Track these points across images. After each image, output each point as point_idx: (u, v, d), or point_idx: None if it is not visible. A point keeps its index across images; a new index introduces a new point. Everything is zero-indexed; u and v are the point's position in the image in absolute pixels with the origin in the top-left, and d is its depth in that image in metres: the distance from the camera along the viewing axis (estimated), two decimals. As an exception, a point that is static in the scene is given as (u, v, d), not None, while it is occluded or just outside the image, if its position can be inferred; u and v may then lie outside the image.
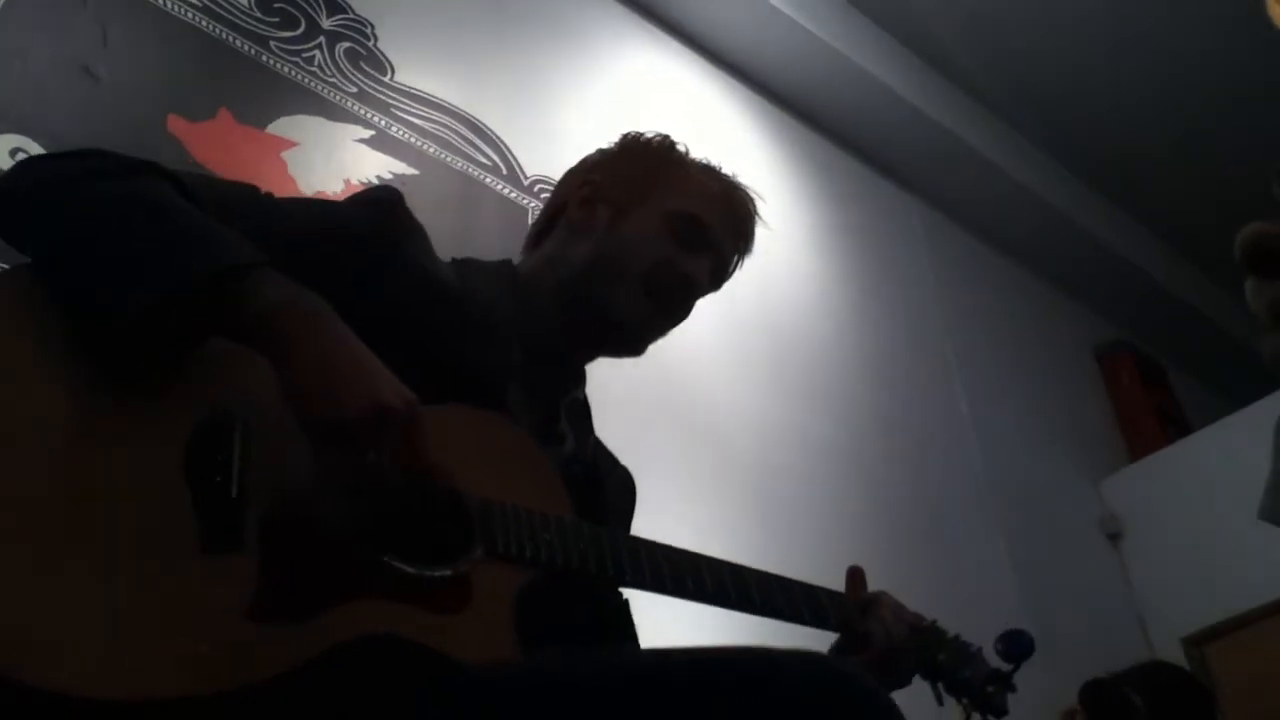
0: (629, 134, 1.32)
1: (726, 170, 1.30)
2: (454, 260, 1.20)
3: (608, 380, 2.35)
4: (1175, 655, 3.32)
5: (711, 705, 0.73)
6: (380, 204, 1.12)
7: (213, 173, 1.99)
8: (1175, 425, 4.31)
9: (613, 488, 1.21)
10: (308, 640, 0.78)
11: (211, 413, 0.82)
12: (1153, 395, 4.37)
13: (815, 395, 3.01)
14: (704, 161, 1.30)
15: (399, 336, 0.94)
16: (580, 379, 1.26)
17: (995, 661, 1.28)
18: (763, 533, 2.49)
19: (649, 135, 1.31)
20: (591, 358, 1.27)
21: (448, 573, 0.87)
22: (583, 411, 1.24)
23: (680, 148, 1.29)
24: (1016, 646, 1.25)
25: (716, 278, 1.25)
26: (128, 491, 0.76)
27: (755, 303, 2.98)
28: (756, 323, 2.97)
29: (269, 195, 1.07)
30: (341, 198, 2.03)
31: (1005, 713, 1.26)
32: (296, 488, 0.83)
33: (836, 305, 3.36)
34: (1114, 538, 3.82)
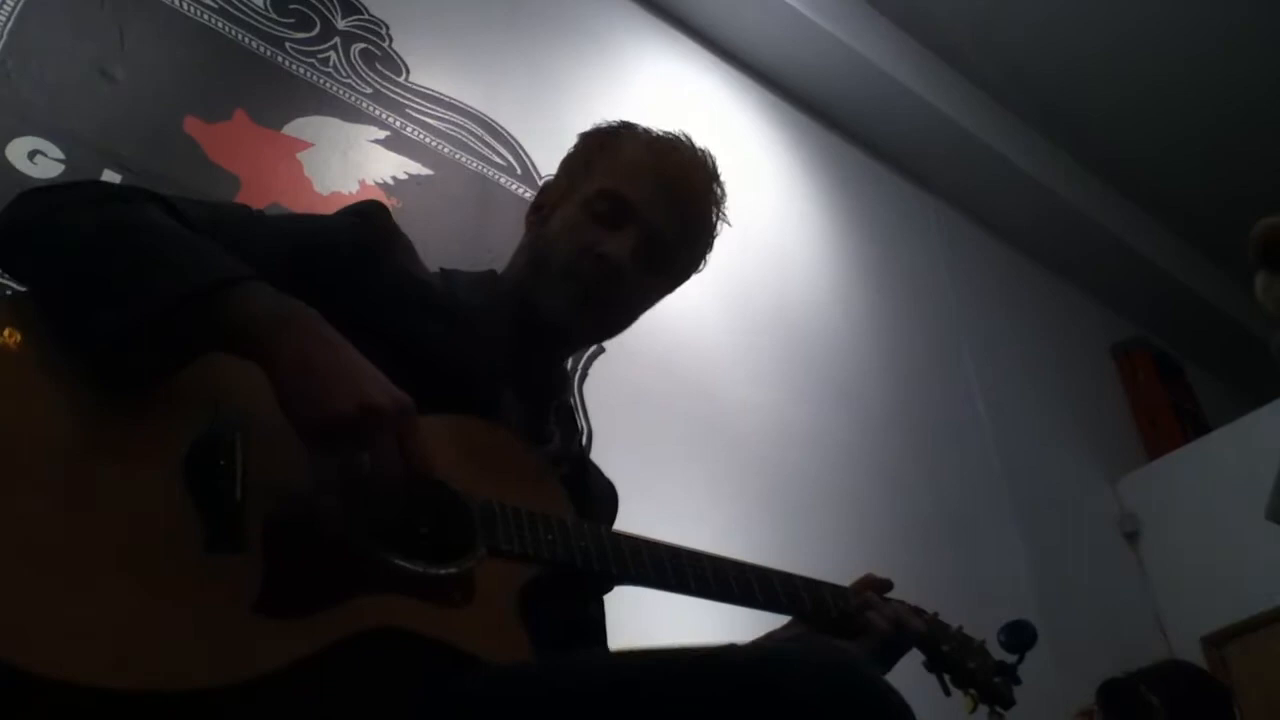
0: (586, 130, 1.27)
1: (681, 136, 1.20)
2: (441, 270, 1.20)
3: (624, 383, 2.36)
4: (1194, 655, 3.30)
5: (725, 703, 0.73)
6: (365, 215, 1.12)
7: (230, 173, 2.01)
8: (1193, 422, 4.29)
9: (597, 493, 1.21)
10: (316, 632, 0.79)
11: (213, 421, 0.83)
12: (1170, 392, 4.35)
13: (831, 395, 3.00)
14: (651, 135, 1.20)
15: (389, 344, 0.94)
16: (567, 382, 1.27)
17: (999, 654, 1.27)
18: (779, 532, 2.49)
19: (601, 124, 1.25)
20: (571, 353, 1.26)
21: (453, 570, 0.87)
22: (569, 415, 1.24)
23: (624, 130, 1.21)
24: (1019, 637, 1.25)
25: (654, 251, 1.14)
26: (133, 500, 0.78)
27: (772, 302, 2.97)
28: (773, 323, 2.96)
29: (259, 212, 1.10)
30: (357, 198, 2.04)
31: (1013, 703, 1.26)
32: (299, 490, 0.84)
33: (853, 304, 3.35)
34: (1131, 536, 3.80)
